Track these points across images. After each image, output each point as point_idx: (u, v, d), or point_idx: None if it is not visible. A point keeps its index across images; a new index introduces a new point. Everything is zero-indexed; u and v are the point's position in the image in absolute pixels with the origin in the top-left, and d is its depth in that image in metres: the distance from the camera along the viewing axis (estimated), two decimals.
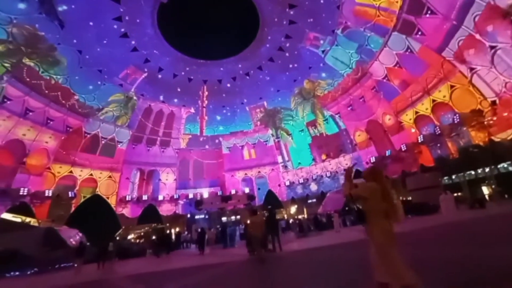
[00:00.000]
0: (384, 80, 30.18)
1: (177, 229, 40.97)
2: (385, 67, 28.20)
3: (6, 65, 22.89)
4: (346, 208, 24.56)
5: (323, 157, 42.67)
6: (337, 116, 38.54)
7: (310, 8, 28.28)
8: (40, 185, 29.77)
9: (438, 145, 28.38)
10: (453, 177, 25.87)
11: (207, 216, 39.86)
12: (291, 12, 29.11)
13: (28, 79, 26.49)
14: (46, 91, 28.24)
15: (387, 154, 32.19)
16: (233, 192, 43.75)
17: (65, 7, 23.11)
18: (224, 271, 7.67)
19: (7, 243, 18.85)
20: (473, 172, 24.55)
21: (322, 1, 27.24)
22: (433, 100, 26.42)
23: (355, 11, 26.57)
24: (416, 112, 28.72)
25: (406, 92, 28.57)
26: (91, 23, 25.81)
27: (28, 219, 28.70)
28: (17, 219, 28.15)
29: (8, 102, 25.70)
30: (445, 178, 27.59)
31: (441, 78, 23.98)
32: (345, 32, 29.31)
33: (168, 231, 40.13)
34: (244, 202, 36.76)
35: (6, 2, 19.97)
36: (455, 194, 26.90)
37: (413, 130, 29.99)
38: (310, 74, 36.85)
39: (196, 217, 38.23)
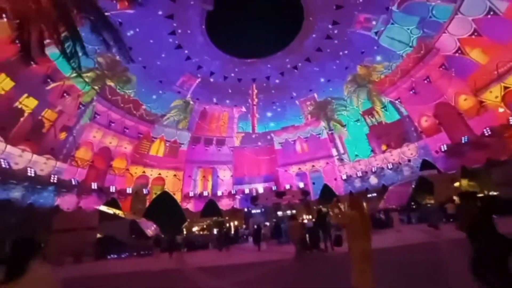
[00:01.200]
0: (457, 55, 25.78)
1: (236, 223, 43.48)
2: (457, 38, 24.14)
3: (96, 88, 27.78)
4: (412, 204, 22.13)
5: (383, 147, 39.12)
6: (397, 102, 34.74)
7: None
8: (123, 184, 35.30)
9: None
10: None
11: (263, 210, 41.12)
12: None
13: (110, 96, 31.67)
14: (122, 105, 33.24)
15: (463, 141, 27.60)
16: (287, 187, 43.95)
17: (132, 32, 26.61)
18: (278, 268, 7.98)
19: (106, 230, 23.31)
20: None
21: None
22: None
23: None
24: (506, 88, 23.66)
25: (488, 63, 23.77)
26: (151, 41, 29.08)
27: (117, 211, 34.66)
28: (110, 211, 34.29)
29: (98, 117, 31.16)
30: None
31: None
32: (402, 7, 26.05)
33: (228, 225, 43.11)
34: (299, 197, 36.55)
35: (90, 36, 24.12)
36: None
37: (501, 110, 24.91)
38: (364, 59, 34.02)
39: (253, 211, 39.80)
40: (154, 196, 39.44)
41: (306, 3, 29.05)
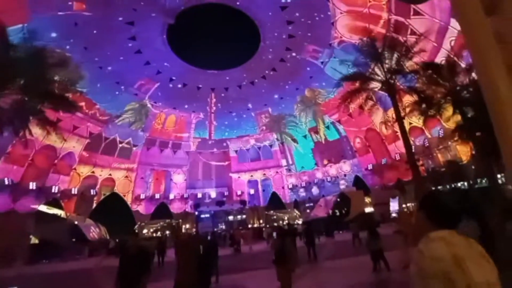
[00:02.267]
0: (380, 91, 31.07)
1: (187, 226, 44.64)
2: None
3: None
4: (332, 215, 26.20)
5: (325, 162, 44.11)
6: (337, 123, 39.81)
7: (307, 23, 29.76)
8: (67, 183, 34.17)
9: (431, 155, 29.18)
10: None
11: (213, 214, 42.99)
12: (290, 27, 30.81)
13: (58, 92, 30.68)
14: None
15: (383, 163, 33.21)
16: (239, 192, 46.54)
17: (88, 33, 26.71)
18: None
19: (44, 233, 22.97)
20: (461, 184, 25.31)
21: (317, 18, 28.65)
22: None
23: (348, 27, 27.85)
24: (410, 123, 29.51)
25: (400, 103, 29.36)
26: (109, 43, 29.26)
27: (59, 212, 33.48)
28: (51, 211, 32.96)
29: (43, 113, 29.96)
30: (434, 188, 28.41)
31: None
32: (341, 46, 30.58)
33: (181, 226, 43.91)
34: (237, 206, 39.50)
35: (41, 32, 23.87)
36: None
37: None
38: (312, 83, 38.34)
39: (202, 216, 41.40)
40: (102, 197, 38.74)
41: (263, 29, 32.02)
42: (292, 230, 13.82)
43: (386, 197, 24.95)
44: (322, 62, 34.74)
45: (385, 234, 10.58)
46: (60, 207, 32.89)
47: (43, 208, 32.10)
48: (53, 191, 31.06)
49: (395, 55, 16.35)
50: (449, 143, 24.03)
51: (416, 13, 21.77)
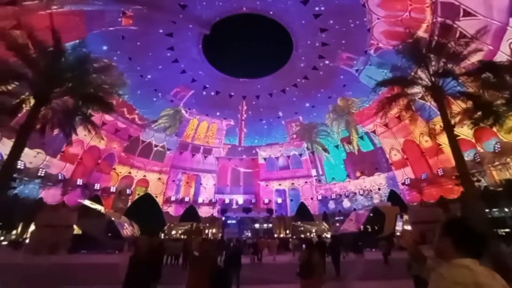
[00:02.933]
0: (421, 100, 28.80)
1: (214, 230, 45.26)
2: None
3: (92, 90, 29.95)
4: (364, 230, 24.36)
5: (358, 174, 41.80)
6: (372, 133, 37.66)
7: (341, 31, 29.02)
8: (108, 182, 36.98)
9: (484, 172, 25.89)
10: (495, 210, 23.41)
11: (240, 220, 42.99)
12: (323, 35, 30.30)
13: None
14: (116, 108, 35.32)
15: (423, 177, 30.37)
16: (266, 201, 46.10)
17: (132, 44, 29.19)
18: None
19: (85, 226, 25.01)
20: None
21: (352, 25, 27.78)
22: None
23: (386, 33, 26.49)
24: (457, 136, 26.64)
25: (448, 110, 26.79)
26: (150, 54, 31.55)
27: (100, 208, 36.34)
28: (93, 206, 35.89)
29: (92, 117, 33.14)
30: (487, 210, 25.09)
31: None
32: (378, 53, 29.15)
33: (206, 231, 44.75)
34: (264, 214, 38.87)
35: (94, 46, 26.66)
36: (500, 231, 24.32)
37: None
38: (345, 91, 37.02)
39: (228, 221, 41.64)
40: (136, 196, 41.20)
41: (296, 38, 31.96)
42: (321, 243, 13.12)
43: (427, 216, 22.59)
44: (356, 70, 33.42)
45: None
46: (101, 203, 35.66)
47: (87, 203, 35.21)
48: (95, 188, 33.70)
49: (443, 59, 14.42)
50: (507, 159, 21.11)
51: (467, 14, 19.80)
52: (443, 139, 28.24)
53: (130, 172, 39.95)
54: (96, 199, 36.55)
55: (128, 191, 38.90)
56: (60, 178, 28.26)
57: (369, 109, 36.57)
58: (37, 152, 26.35)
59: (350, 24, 27.59)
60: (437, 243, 1.55)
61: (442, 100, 14.40)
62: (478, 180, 22.76)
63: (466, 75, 14.57)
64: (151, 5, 25.70)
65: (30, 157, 26.18)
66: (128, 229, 30.48)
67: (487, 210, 26.80)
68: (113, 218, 33.02)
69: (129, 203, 39.61)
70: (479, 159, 23.74)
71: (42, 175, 25.97)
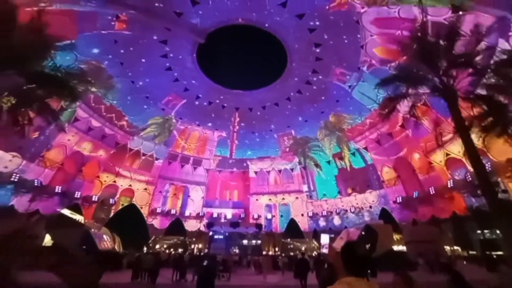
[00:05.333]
0: (412, 118, 28.93)
1: (200, 245, 43.21)
2: (411, 104, 27.32)
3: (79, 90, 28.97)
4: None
5: (349, 191, 41.18)
6: (364, 150, 37.50)
7: (335, 46, 29.40)
8: (90, 190, 35.16)
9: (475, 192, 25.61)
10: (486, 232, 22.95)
11: (227, 235, 41.12)
12: (317, 50, 30.61)
13: (93, 104, 32.79)
14: (105, 113, 34.31)
15: (414, 196, 29.95)
16: (255, 216, 44.64)
17: (125, 50, 28.74)
18: None
19: (57, 237, 23.05)
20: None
21: (346, 41, 28.20)
22: None
23: (379, 51, 26.91)
24: (447, 154, 26.65)
25: (435, 131, 26.91)
26: (143, 60, 31.10)
27: (78, 218, 34.23)
28: (73, 216, 33.75)
29: (77, 121, 31.94)
30: (479, 232, 24.66)
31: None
32: (370, 70, 29.49)
33: (192, 246, 42.67)
34: (252, 229, 37.48)
35: (85, 48, 26.02)
36: (492, 253, 23.75)
37: (446, 173, 27.67)
38: (337, 107, 37.12)
39: (216, 236, 39.85)
40: (120, 207, 39.23)
41: (290, 51, 32.20)
42: (304, 261, 12.27)
43: (422, 234, 21.86)
44: (349, 86, 33.69)
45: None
46: (80, 213, 33.65)
47: (65, 211, 33.15)
48: (76, 196, 31.92)
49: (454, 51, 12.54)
50: (498, 179, 20.88)
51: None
52: (434, 158, 28.28)
53: (115, 181, 38.26)
54: (76, 208, 34.54)
55: (111, 201, 37.05)
56: (36, 184, 26.50)
57: (361, 126, 36.71)
58: (13, 155, 24.83)
59: (344, 40, 27.99)
60: (336, 264, 1.82)
61: (454, 99, 12.32)
62: (503, 191, 19.69)
63: (482, 71, 12.64)
64: (146, 11, 25.51)
65: (6, 161, 24.66)
66: (107, 242, 28.49)
67: (479, 231, 26.41)
68: (93, 230, 30.99)
69: (112, 214, 37.61)
70: (470, 179, 23.49)
71: (15, 180, 24.26)
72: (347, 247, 1.90)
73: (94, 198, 35.23)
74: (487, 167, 22.43)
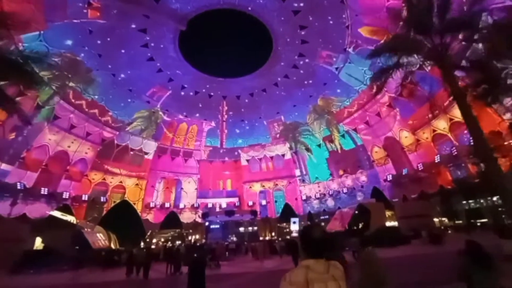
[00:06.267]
0: (399, 97, 29.25)
1: (197, 236, 43.39)
2: (399, 83, 27.46)
3: (54, 88, 27.42)
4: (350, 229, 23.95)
5: (341, 172, 41.91)
6: (353, 132, 37.91)
7: (320, 28, 28.89)
8: (79, 190, 34.19)
9: (460, 165, 26.56)
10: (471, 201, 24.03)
11: (223, 224, 41.35)
12: (302, 33, 30.01)
13: (73, 100, 31.28)
14: (87, 109, 32.88)
15: (404, 173, 30.79)
16: (250, 203, 44.98)
17: (102, 41, 27.21)
18: None
19: (48, 240, 22.35)
20: (497, 198, 22.54)
21: (331, 22, 27.72)
22: (451, 119, 24.98)
23: (365, 30, 26.62)
24: (434, 130, 27.29)
25: (422, 109, 27.37)
26: (123, 51, 29.63)
27: (70, 218, 33.30)
28: (64, 217, 32.81)
29: (57, 119, 30.49)
30: (465, 202, 25.72)
31: None
32: (357, 50, 29.29)
33: (189, 238, 42.76)
34: (248, 216, 37.74)
35: (57, 40, 24.34)
36: (476, 221, 24.97)
37: (433, 149, 28.41)
38: (325, 90, 37.02)
39: (212, 226, 40.00)
40: (112, 204, 38.48)
41: (275, 35, 31.45)
42: (293, 243, 12.48)
43: (414, 210, 22.58)
44: (336, 68, 33.49)
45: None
46: (71, 213, 32.76)
47: (56, 213, 32.13)
48: (64, 197, 30.96)
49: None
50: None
51: None
52: (421, 135, 28.89)
53: (104, 179, 37.26)
54: (66, 209, 33.57)
55: (102, 199, 36.21)
56: (19, 187, 25.37)
57: (350, 107, 36.89)
58: None
59: (329, 21, 27.52)
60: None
61: (449, 66, 11.61)
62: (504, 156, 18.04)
63: (479, 34, 11.73)
64: None
65: None
66: (101, 240, 27.98)
67: (464, 202, 27.54)
68: (87, 229, 30.31)
69: (104, 212, 36.88)
70: (456, 153, 24.23)
71: None
72: (303, 231, 1.93)
73: (84, 198, 34.29)
74: (471, 141, 23.30)
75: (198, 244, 31.11)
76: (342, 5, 25.29)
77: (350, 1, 24.52)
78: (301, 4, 26.91)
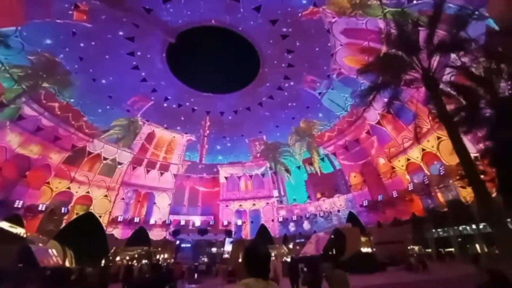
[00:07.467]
0: (377, 125, 30.72)
1: (166, 255, 40.48)
2: (378, 112, 28.91)
3: (24, 87, 25.64)
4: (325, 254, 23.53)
5: (318, 195, 42.09)
6: (332, 156, 38.79)
7: (306, 54, 30.24)
8: (36, 198, 31.02)
9: (431, 194, 27.70)
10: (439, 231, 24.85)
11: (194, 244, 39.03)
12: (289, 56, 31.18)
13: (44, 101, 29.30)
14: (59, 112, 30.88)
15: (379, 199, 31.50)
16: (225, 223, 43.32)
17: (85, 44, 26.34)
18: None
19: None
20: (463, 227, 23.52)
21: (317, 49, 29.15)
22: (423, 149, 26.41)
23: (348, 60, 28.21)
24: (408, 159, 28.61)
25: (398, 138, 28.83)
26: (107, 56, 28.79)
27: (19, 231, 29.58)
28: (13, 229, 29.10)
29: (22, 120, 28.17)
30: (434, 231, 26.53)
31: (429, 128, 24.24)
32: (340, 78, 30.80)
33: (157, 257, 39.71)
34: (222, 236, 36.24)
35: (35, 37, 23.15)
36: (443, 250, 25.73)
37: (407, 177, 29.60)
38: (308, 113, 38.05)
39: (182, 245, 37.67)
40: (75, 216, 35.17)
41: (263, 56, 32.35)
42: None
43: (390, 236, 22.78)
44: (319, 93, 34.76)
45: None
46: (21, 225, 29.28)
47: (2, 224, 28.48)
48: (16, 205, 27.83)
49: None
50: (450, 181, 22.75)
51: None
52: (396, 163, 30.08)
53: (69, 187, 34.28)
54: (16, 220, 29.95)
55: (63, 210, 33.03)
56: None
57: (330, 132, 37.99)
58: None
59: (315, 48, 28.88)
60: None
61: (436, 88, 11.61)
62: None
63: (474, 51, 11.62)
64: (111, 2, 23.69)
65: None
66: (53, 257, 24.89)
67: (433, 230, 28.39)
68: (39, 244, 27.02)
69: (63, 224, 33.50)
70: (427, 181, 25.32)
71: None
72: (246, 250, 1.95)
73: (41, 208, 31.00)
74: (440, 171, 24.59)
75: (153, 263, 28.67)
76: (328, 34, 26.81)
77: (335, 31, 26.06)
78: (290, 29, 28.17)
